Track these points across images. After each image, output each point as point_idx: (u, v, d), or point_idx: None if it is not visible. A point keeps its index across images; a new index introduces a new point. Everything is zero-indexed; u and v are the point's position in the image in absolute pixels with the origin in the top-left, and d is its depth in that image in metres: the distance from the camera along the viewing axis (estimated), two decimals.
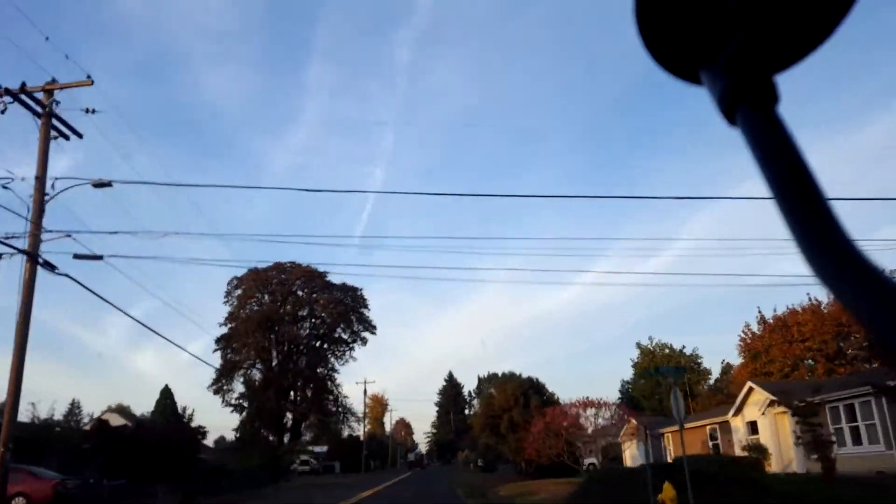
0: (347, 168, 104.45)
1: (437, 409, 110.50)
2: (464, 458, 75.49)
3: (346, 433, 63.60)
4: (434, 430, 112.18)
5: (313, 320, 50.06)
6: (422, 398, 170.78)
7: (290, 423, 50.81)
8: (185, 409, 68.03)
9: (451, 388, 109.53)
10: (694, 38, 0.59)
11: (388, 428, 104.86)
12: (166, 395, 63.63)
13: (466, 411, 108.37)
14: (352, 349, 54.28)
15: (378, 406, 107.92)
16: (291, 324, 47.40)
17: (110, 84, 75.14)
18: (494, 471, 46.00)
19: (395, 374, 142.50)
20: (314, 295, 49.26)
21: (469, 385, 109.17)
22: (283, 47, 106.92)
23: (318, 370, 52.19)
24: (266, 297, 48.10)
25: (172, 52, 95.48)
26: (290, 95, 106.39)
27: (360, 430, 68.66)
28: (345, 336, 52.75)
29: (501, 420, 38.11)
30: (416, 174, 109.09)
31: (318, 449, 63.97)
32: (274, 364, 46.69)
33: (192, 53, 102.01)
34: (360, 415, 56.16)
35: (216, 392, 45.70)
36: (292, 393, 49.00)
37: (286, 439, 52.83)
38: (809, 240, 0.47)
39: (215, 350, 45.35)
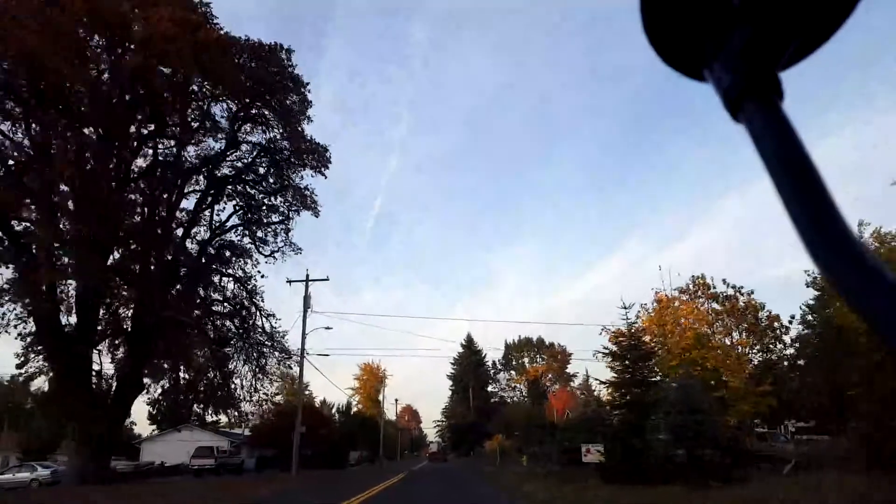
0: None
1: (450, 384, 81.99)
2: (497, 449, 45.91)
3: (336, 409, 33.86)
4: (446, 415, 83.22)
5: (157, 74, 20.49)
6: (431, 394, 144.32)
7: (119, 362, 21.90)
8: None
9: (471, 356, 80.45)
10: (699, 34, 0.59)
11: (386, 408, 75.70)
12: None
13: (491, 387, 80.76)
14: (288, 213, 25.43)
15: (372, 379, 78.43)
16: (80, 67, 17.84)
17: None
18: (702, 485, 12.87)
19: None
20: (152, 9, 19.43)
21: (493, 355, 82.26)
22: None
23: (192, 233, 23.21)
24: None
25: None
26: None
27: (347, 401, 38.47)
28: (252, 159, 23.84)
29: None
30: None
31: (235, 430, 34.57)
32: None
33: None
34: (297, 354, 26.35)
35: None
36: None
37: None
38: (813, 234, 0.47)
39: None
